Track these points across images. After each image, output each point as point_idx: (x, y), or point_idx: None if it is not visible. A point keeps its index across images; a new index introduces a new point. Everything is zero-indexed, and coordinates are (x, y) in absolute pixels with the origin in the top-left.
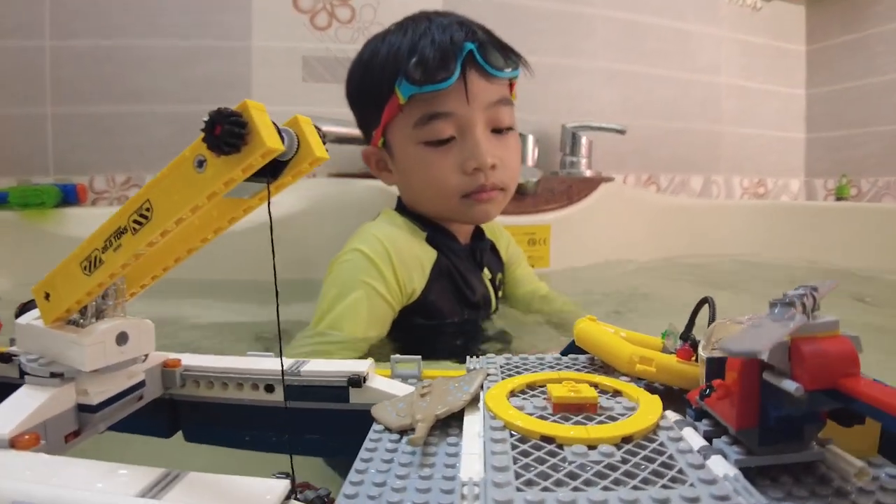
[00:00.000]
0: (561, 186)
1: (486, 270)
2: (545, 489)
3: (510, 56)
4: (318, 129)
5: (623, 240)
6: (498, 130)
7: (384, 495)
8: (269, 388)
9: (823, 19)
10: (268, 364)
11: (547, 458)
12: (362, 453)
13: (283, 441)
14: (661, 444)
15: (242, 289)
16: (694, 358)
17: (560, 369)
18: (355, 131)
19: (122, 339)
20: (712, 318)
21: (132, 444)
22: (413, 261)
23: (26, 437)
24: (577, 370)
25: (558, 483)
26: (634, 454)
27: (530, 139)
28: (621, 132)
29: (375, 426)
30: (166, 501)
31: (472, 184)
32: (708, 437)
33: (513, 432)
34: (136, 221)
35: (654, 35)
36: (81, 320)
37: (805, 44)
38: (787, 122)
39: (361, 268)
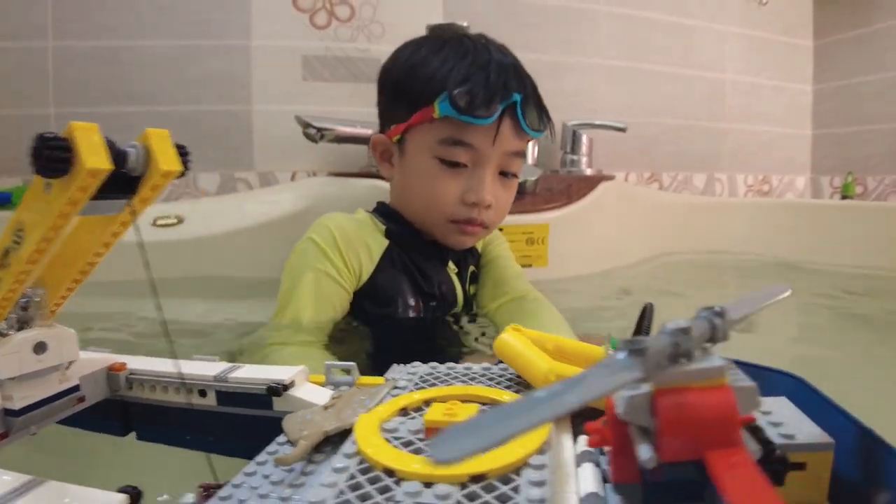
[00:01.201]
0: (560, 185)
1: (451, 264)
2: None
3: (543, 119)
4: (183, 147)
5: (623, 239)
6: (504, 174)
7: None
8: (202, 393)
9: (831, 14)
10: (204, 369)
11: (374, 494)
12: (248, 466)
13: (217, 443)
14: (514, 489)
15: (237, 286)
16: None
17: (479, 383)
18: (357, 131)
19: (40, 348)
20: (646, 331)
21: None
22: (361, 245)
23: None
24: (497, 384)
25: None
26: (474, 498)
27: None
28: (622, 130)
29: (280, 437)
30: None
31: (464, 214)
32: (608, 478)
33: (362, 460)
34: (15, 241)
35: (658, 31)
36: (5, 331)
37: (812, 39)
38: (794, 119)
39: (310, 255)
